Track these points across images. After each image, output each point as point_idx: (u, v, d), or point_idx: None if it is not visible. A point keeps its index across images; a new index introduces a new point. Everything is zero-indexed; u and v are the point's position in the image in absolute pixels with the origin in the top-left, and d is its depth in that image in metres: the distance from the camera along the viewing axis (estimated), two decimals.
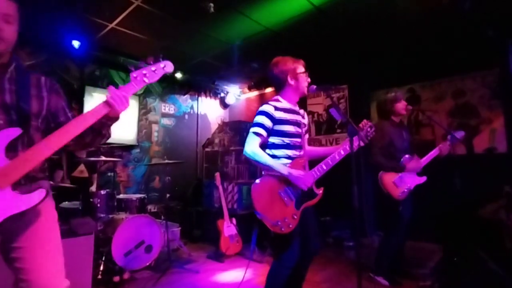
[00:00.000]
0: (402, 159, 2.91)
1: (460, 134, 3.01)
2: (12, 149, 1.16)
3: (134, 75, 1.34)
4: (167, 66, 1.41)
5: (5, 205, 1.09)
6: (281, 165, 1.88)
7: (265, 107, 1.98)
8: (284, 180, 1.90)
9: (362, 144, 1.89)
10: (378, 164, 2.90)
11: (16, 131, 1.17)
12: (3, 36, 1.20)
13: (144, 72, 1.35)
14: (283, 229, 1.83)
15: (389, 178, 2.87)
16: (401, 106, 2.99)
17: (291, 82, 2.04)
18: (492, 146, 3.64)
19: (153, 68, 1.37)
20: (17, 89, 1.25)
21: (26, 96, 1.27)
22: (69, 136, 1.19)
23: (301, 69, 2.06)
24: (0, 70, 1.25)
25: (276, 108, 1.98)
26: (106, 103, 1.26)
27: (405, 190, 2.82)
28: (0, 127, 1.17)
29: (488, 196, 3.30)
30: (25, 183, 1.20)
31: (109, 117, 1.31)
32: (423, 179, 2.92)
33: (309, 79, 2.07)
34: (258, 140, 1.92)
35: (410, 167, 2.86)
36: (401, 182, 2.84)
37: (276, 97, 2.08)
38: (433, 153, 2.97)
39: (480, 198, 3.31)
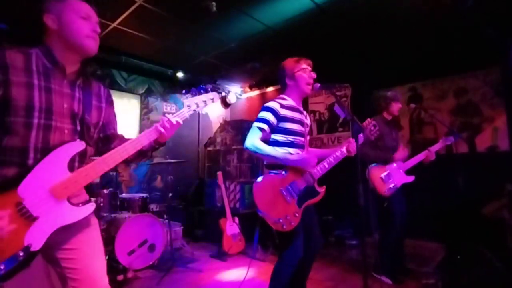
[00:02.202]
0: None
1: (450, 140, 3.06)
2: (71, 162, 1.20)
3: (188, 104, 1.43)
4: (215, 98, 1.51)
5: (61, 216, 1.14)
6: (283, 154, 1.89)
7: (271, 104, 1.99)
8: (286, 177, 1.90)
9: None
10: (364, 154, 2.85)
11: (81, 145, 1.21)
12: (98, 40, 1.30)
13: (196, 101, 1.45)
14: (284, 226, 1.84)
15: (377, 173, 2.89)
16: (396, 106, 3.03)
17: (289, 82, 2.08)
18: (494, 145, 3.64)
19: (203, 99, 1.47)
20: (83, 98, 1.30)
21: (89, 106, 1.31)
22: (125, 155, 1.26)
23: (300, 67, 2.05)
24: (74, 76, 1.29)
25: (282, 106, 1.99)
26: (157, 129, 1.34)
27: (391, 187, 2.83)
28: (65, 136, 1.21)
29: (490, 195, 3.30)
30: (77, 195, 1.24)
31: (159, 143, 1.41)
32: (411, 178, 2.93)
33: (313, 75, 2.06)
34: (259, 134, 1.93)
35: (397, 157, 2.90)
36: (388, 179, 2.86)
37: (282, 95, 2.10)
38: (419, 157, 3.01)
39: (483, 196, 3.31)
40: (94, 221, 1.36)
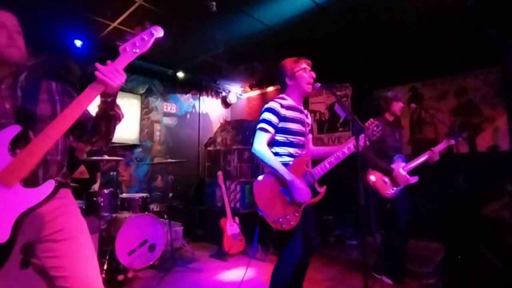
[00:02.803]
0: (394, 159, 2.90)
1: (453, 141, 3.02)
2: (14, 147, 1.16)
3: (124, 48, 1.28)
4: (157, 31, 1.31)
5: (19, 201, 1.10)
6: (285, 170, 1.87)
7: (272, 104, 1.98)
8: None
9: (367, 142, 1.89)
10: (366, 159, 2.86)
11: (16, 129, 1.17)
12: (19, 45, 1.26)
13: (135, 42, 1.29)
14: (284, 225, 1.84)
15: (379, 175, 2.87)
16: (397, 106, 3.01)
17: (289, 82, 2.07)
18: (495, 144, 3.64)
19: (143, 36, 1.29)
20: (27, 95, 1.29)
21: (33, 100, 1.29)
22: (67, 122, 1.16)
23: (300, 66, 2.05)
24: (11, 79, 1.29)
25: (282, 106, 1.98)
26: (98, 81, 1.22)
27: (395, 189, 2.82)
28: (1, 127, 1.18)
29: (491, 195, 3.29)
30: (36, 177, 1.20)
31: (107, 95, 1.28)
32: (414, 179, 2.90)
33: (313, 75, 2.06)
34: (266, 136, 1.93)
35: (396, 176, 2.81)
36: (391, 181, 2.84)
37: (281, 95, 2.10)
38: (421, 158, 2.97)
39: (483, 196, 3.31)
40: (81, 224, 1.35)
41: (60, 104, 1.38)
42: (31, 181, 1.16)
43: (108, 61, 1.26)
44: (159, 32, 1.32)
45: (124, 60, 1.29)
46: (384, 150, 2.92)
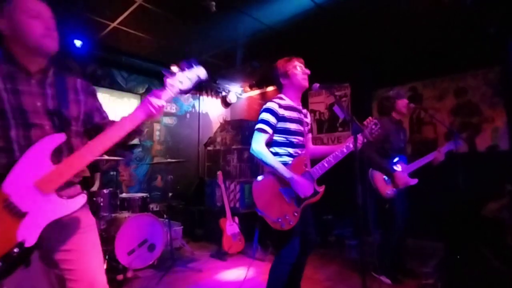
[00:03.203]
0: (396, 162, 2.89)
1: (453, 145, 3.00)
2: (56, 155, 1.19)
3: (170, 82, 1.31)
4: (201, 73, 1.36)
5: (51, 210, 1.13)
6: (284, 169, 1.88)
7: (270, 104, 1.99)
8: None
9: (365, 141, 1.90)
10: (369, 159, 2.86)
11: (61, 137, 1.19)
12: (55, 36, 1.27)
13: (180, 79, 1.32)
14: (283, 226, 1.85)
15: (380, 174, 2.87)
16: (402, 103, 2.98)
17: (284, 81, 2.08)
18: (494, 144, 3.64)
19: (188, 75, 1.33)
20: (57, 94, 1.28)
21: (65, 101, 1.30)
22: (110, 142, 1.22)
23: (292, 64, 2.06)
24: (41, 75, 1.28)
25: (280, 106, 1.99)
26: (144, 108, 1.27)
27: (394, 189, 2.82)
28: (46, 132, 1.20)
29: (490, 194, 3.29)
30: (67, 188, 1.23)
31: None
32: (414, 181, 2.89)
33: (306, 71, 2.07)
34: (264, 137, 1.94)
35: (396, 179, 2.81)
36: (391, 182, 2.84)
37: (279, 95, 2.10)
38: (426, 159, 2.96)
39: (483, 196, 3.31)
40: (92, 221, 1.37)
41: (84, 105, 1.39)
42: (63, 190, 1.19)
43: (155, 91, 1.28)
44: (203, 75, 1.36)
45: (169, 96, 1.31)
46: (386, 150, 2.91)
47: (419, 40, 3.89)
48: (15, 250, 1.06)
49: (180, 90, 1.32)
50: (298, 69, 2.05)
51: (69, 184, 1.24)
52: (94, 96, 1.46)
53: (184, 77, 1.32)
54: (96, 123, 1.43)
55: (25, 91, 1.21)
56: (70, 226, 1.25)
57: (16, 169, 1.11)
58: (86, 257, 1.28)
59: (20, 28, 1.20)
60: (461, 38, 3.73)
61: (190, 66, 1.34)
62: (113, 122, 1.41)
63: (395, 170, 2.82)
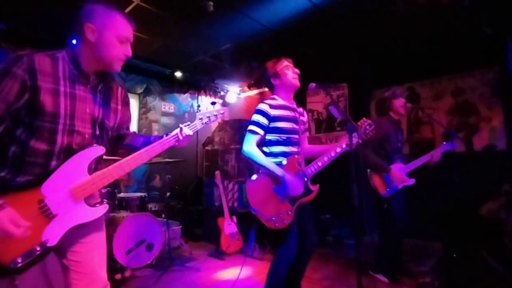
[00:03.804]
0: (393, 161, 2.90)
1: (453, 145, 3.01)
2: (91, 164, 1.27)
3: (200, 117, 1.52)
4: (225, 114, 1.59)
5: (78, 215, 1.23)
6: (276, 167, 1.91)
7: (261, 106, 2.02)
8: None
9: (360, 141, 1.91)
10: (366, 158, 2.88)
11: (101, 151, 1.29)
12: (124, 60, 1.33)
13: (208, 115, 1.53)
14: (277, 224, 1.86)
15: (378, 174, 2.88)
16: (399, 103, 2.99)
17: (275, 82, 2.11)
18: (491, 144, 3.65)
19: (214, 113, 1.54)
20: (103, 103, 1.35)
21: (108, 110, 1.37)
22: (139, 162, 1.34)
23: (282, 65, 2.08)
24: (96, 82, 1.33)
25: (272, 106, 2.01)
26: (177, 138, 1.42)
27: (392, 189, 2.83)
28: (85, 140, 1.28)
29: (487, 194, 3.31)
30: (92, 197, 1.31)
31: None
32: (412, 181, 2.90)
33: (296, 71, 2.10)
34: (254, 138, 1.96)
35: (393, 175, 2.82)
36: (389, 180, 2.86)
37: (272, 96, 2.14)
38: (423, 159, 2.97)
39: (480, 196, 3.32)
40: (103, 221, 1.44)
41: (121, 115, 1.45)
42: (90, 199, 1.28)
43: (182, 127, 1.45)
44: (226, 115, 1.61)
45: (197, 128, 1.50)
46: (385, 150, 2.92)
47: (417, 40, 3.90)
48: (38, 248, 1.13)
49: (205, 123, 1.53)
50: (289, 69, 2.07)
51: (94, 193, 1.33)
52: (128, 106, 1.53)
53: (211, 114, 1.54)
54: (121, 133, 1.50)
55: (81, 96, 1.27)
56: (86, 230, 1.32)
57: (57, 174, 1.19)
58: (93, 252, 1.34)
59: (105, 45, 1.25)
60: (459, 38, 3.73)
61: (217, 107, 1.55)
62: (134, 134, 1.54)
63: (390, 168, 2.84)
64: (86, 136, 1.28)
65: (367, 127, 2.02)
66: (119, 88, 1.47)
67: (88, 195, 1.24)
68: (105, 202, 1.33)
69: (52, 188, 1.17)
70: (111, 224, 3.20)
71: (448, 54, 3.88)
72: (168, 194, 4.18)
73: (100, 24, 1.23)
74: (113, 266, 3.00)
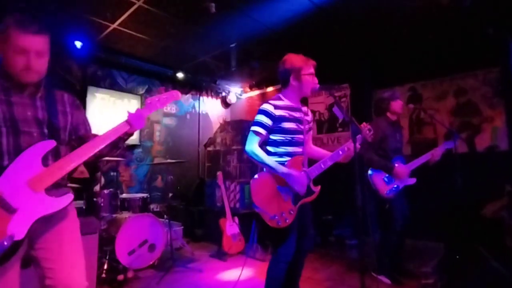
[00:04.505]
0: (393, 161, 2.91)
1: (452, 144, 3.01)
2: (45, 159, 1.33)
3: (148, 101, 1.59)
4: (176, 95, 1.67)
5: (40, 207, 1.25)
6: (278, 165, 1.91)
7: (265, 106, 2.00)
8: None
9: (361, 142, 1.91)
10: (367, 159, 2.90)
11: (51, 143, 1.34)
12: (36, 69, 1.33)
13: (157, 99, 1.61)
14: (279, 223, 1.87)
15: (379, 175, 2.89)
16: (397, 104, 3.00)
17: (293, 82, 2.02)
18: (494, 144, 3.64)
19: (164, 96, 1.62)
20: (47, 106, 1.41)
21: (55, 112, 1.43)
22: (94, 149, 1.38)
23: (308, 70, 2.01)
24: (33, 90, 1.39)
25: (276, 107, 1.99)
26: (127, 122, 1.47)
27: (393, 189, 2.83)
28: (34, 138, 1.33)
29: (490, 195, 3.30)
30: (55, 188, 1.35)
31: (126, 133, 1.51)
32: (413, 180, 2.91)
33: (316, 81, 2.03)
34: (257, 138, 1.96)
35: (397, 171, 2.84)
36: (390, 181, 2.86)
37: (277, 95, 2.10)
38: (424, 158, 2.97)
39: (482, 196, 3.31)
40: (76, 224, 1.47)
41: (71, 116, 1.51)
42: (52, 190, 1.31)
43: (138, 109, 1.53)
44: (177, 97, 1.68)
45: (147, 111, 1.58)
46: (385, 150, 2.92)
47: (419, 40, 3.89)
48: (5, 243, 1.15)
49: (157, 107, 1.61)
50: (312, 77, 2.01)
51: (57, 185, 1.36)
52: (80, 109, 1.59)
53: (161, 97, 1.62)
54: (80, 135, 1.56)
55: (17, 102, 1.33)
56: (54, 226, 1.35)
57: (10, 169, 1.23)
58: (65, 257, 1.35)
59: (5, 58, 1.31)
60: (461, 38, 3.73)
61: (167, 91, 1.64)
62: (95, 135, 1.55)
63: (394, 166, 2.85)
64: (34, 134, 1.34)
65: (367, 131, 2.02)
66: (65, 95, 1.53)
67: (47, 185, 1.27)
68: (69, 192, 1.37)
69: (7, 183, 1.21)
70: (113, 225, 3.22)
71: (449, 55, 3.88)
72: (170, 195, 4.19)
73: (1, 39, 1.29)
74: (115, 267, 3.00)
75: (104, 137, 1.41)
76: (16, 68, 1.30)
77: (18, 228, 1.18)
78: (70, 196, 1.34)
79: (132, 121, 1.48)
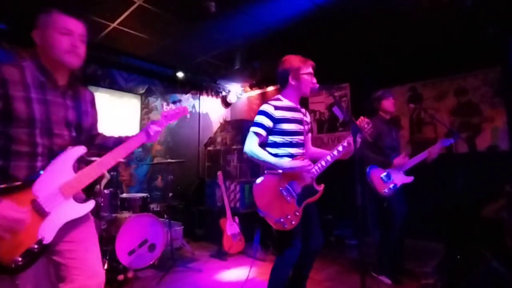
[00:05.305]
0: (390, 158, 2.92)
1: (449, 142, 3.03)
2: (75, 163, 1.36)
3: (165, 114, 1.65)
4: (185, 111, 1.75)
5: (68, 212, 1.30)
6: (279, 160, 1.90)
7: (265, 107, 1.99)
8: (285, 177, 1.92)
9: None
10: (364, 156, 2.91)
11: (82, 149, 1.37)
12: (80, 53, 1.36)
13: (172, 112, 1.68)
14: (286, 226, 1.86)
15: (377, 173, 2.90)
16: (388, 103, 3.02)
17: (292, 82, 2.03)
18: (494, 144, 3.64)
19: (177, 111, 1.70)
20: (75, 106, 1.43)
21: (81, 113, 1.45)
22: (118, 158, 1.45)
23: (306, 70, 2.02)
24: (64, 88, 1.39)
25: (276, 108, 1.98)
26: (146, 133, 1.54)
27: (391, 187, 2.83)
28: (65, 141, 1.35)
29: (490, 195, 3.29)
30: (80, 194, 1.39)
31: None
32: (410, 178, 2.92)
33: (315, 81, 2.04)
34: (256, 139, 1.95)
35: (396, 163, 2.87)
36: (388, 179, 2.86)
37: (277, 96, 2.09)
38: (421, 156, 2.98)
39: (482, 196, 3.31)
40: (91, 218, 1.50)
41: (91, 117, 1.53)
42: (77, 196, 1.35)
43: (156, 121, 1.59)
44: (186, 112, 1.76)
45: (163, 124, 1.62)
46: (380, 148, 2.93)
47: (419, 40, 3.89)
48: (35, 246, 1.18)
49: (169, 120, 1.67)
50: (310, 77, 2.02)
51: (82, 191, 1.40)
52: (95, 107, 1.59)
53: (174, 111, 1.69)
54: (93, 134, 1.58)
55: (52, 101, 1.33)
56: (75, 220, 1.36)
57: (45, 174, 1.26)
58: (88, 247, 1.40)
59: (48, 41, 1.30)
60: (461, 38, 3.73)
61: (177, 106, 1.73)
62: (103, 134, 1.63)
63: (392, 160, 2.87)
64: (66, 137, 1.36)
65: (365, 125, 2.01)
66: (87, 93, 1.54)
67: (76, 192, 1.32)
68: (92, 199, 1.40)
69: (42, 188, 1.23)
70: (113, 225, 3.21)
71: (450, 54, 3.87)
72: (170, 194, 4.19)
73: (42, 26, 1.31)
74: (115, 266, 3.00)
75: (126, 147, 1.47)
76: (60, 48, 1.30)
77: (48, 232, 1.22)
78: (93, 203, 1.38)
79: (153, 134, 1.54)
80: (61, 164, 1.30)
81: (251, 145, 1.94)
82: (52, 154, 1.30)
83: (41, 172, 1.25)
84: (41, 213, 1.21)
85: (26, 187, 1.21)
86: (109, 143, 1.58)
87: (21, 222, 1.14)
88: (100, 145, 1.59)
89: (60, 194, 1.26)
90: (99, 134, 1.62)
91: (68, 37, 1.31)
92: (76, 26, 1.34)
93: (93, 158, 1.51)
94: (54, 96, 1.34)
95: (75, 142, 1.39)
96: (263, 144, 2.00)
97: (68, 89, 1.40)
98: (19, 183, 1.21)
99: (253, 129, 1.97)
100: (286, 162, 1.90)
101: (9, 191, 1.18)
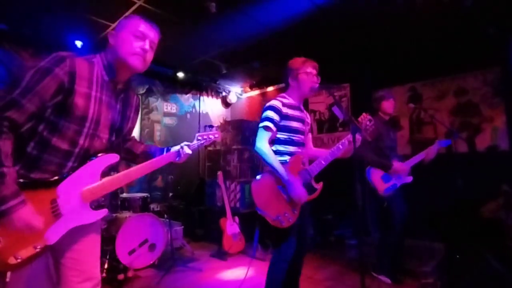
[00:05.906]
0: (390, 159, 2.92)
1: (447, 143, 3.04)
2: (104, 170, 1.34)
3: (199, 137, 1.67)
4: (218, 135, 1.74)
5: (81, 217, 1.27)
6: (283, 171, 1.89)
7: (273, 102, 2.00)
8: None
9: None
10: (366, 158, 2.92)
11: (116, 158, 1.36)
12: (147, 58, 1.36)
13: (205, 137, 1.68)
14: (283, 223, 1.87)
15: (377, 173, 2.91)
16: (388, 104, 3.04)
17: (292, 82, 2.08)
18: (494, 144, 3.64)
19: (210, 136, 1.70)
20: (122, 111, 1.43)
21: (125, 118, 1.46)
22: (145, 172, 1.44)
23: (305, 69, 2.03)
24: (119, 92, 1.41)
25: (283, 104, 2.00)
26: (178, 155, 1.54)
27: (390, 187, 2.84)
28: (102, 144, 1.34)
29: (489, 195, 3.30)
30: (96, 201, 1.36)
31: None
32: (410, 178, 2.94)
33: (315, 81, 2.04)
34: (268, 134, 1.95)
35: (396, 168, 2.87)
36: (388, 179, 2.87)
37: (283, 94, 2.12)
38: (419, 157, 3.00)
39: (482, 196, 3.32)
40: (99, 221, 1.45)
41: (132, 122, 1.53)
42: (93, 203, 1.32)
43: (189, 144, 1.59)
44: (218, 137, 1.76)
45: (196, 147, 1.64)
46: (380, 149, 2.94)
47: (419, 40, 3.89)
48: (38, 246, 1.15)
49: (202, 144, 1.68)
50: (309, 77, 2.03)
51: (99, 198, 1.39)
52: (138, 113, 1.60)
53: (207, 135, 1.69)
54: (127, 139, 1.59)
55: (106, 103, 1.33)
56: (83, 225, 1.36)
57: (73, 177, 1.24)
58: (90, 251, 1.37)
59: (120, 41, 1.31)
60: (461, 38, 3.73)
61: (211, 129, 1.78)
62: (134, 139, 1.65)
63: (392, 163, 2.87)
64: (104, 141, 1.34)
65: (368, 122, 2.01)
66: (135, 97, 1.54)
67: (96, 198, 1.29)
68: (105, 207, 1.38)
69: (66, 189, 1.22)
70: (113, 225, 3.22)
71: (450, 54, 3.87)
72: (170, 194, 4.19)
73: (119, 28, 1.33)
74: (115, 266, 3.01)
75: (153, 164, 1.46)
76: (131, 49, 1.30)
77: (55, 233, 1.20)
78: (105, 211, 1.35)
79: (182, 156, 1.54)
80: (90, 170, 1.28)
81: (262, 143, 1.93)
82: (86, 156, 1.28)
83: (70, 173, 1.24)
84: (56, 214, 1.20)
85: (52, 186, 1.20)
86: (137, 150, 1.59)
87: (35, 229, 1.12)
88: (128, 149, 1.60)
89: (79, 198, 1.25)
90: (130, 138, 1.63)
91: (140, 40, 1.32)
92: (151, 32, 1.36)
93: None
94: (110, 98, 1.34)
95: (111, 146, 1.39)
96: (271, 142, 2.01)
97: (122, 93, 1.41)
98: (45, 179, 1.19)
99: (263, 123, 1.97)
100: (287, 176, 1.88)
101: (35, 187, 1.17)
